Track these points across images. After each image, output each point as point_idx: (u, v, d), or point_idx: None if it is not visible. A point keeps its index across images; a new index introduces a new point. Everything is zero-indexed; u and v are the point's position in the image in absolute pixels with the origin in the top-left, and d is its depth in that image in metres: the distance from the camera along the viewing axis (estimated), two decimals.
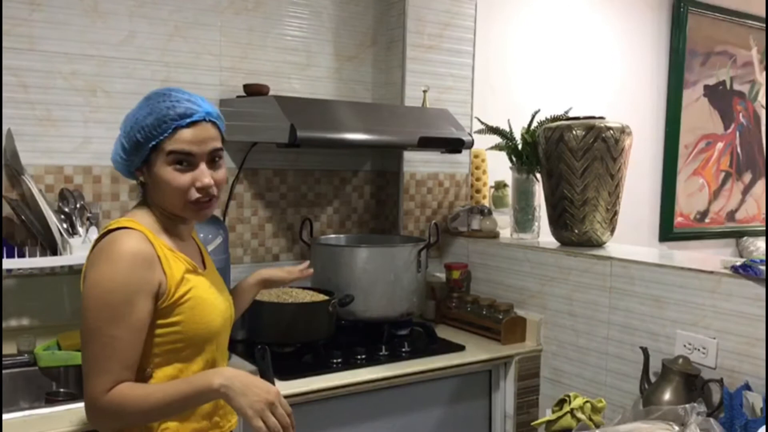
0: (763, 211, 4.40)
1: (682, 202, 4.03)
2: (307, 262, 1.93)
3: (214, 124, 1.40)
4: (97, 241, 1.37)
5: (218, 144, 1.41)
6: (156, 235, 1.39)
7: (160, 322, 1.36)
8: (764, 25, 4.08)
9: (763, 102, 4.30)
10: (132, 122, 1.37)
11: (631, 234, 3.10)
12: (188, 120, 1.35)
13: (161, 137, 1.34)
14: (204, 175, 1.38)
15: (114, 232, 1.36)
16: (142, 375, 1.36)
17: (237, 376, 1.29)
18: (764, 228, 4.36)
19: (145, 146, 1.35)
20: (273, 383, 1.40)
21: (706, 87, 4.06)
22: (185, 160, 1.36)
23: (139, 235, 1.35)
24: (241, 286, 1.80)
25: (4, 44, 2.04)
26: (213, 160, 1.40)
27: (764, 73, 4.25)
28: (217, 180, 1.41)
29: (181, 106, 1.35)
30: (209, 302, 1.44)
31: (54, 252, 1.90)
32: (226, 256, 2.16)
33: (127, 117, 1.40)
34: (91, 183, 2.19)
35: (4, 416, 1.56)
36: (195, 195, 1.38)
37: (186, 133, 1.35)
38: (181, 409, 1.34)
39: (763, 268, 1.76)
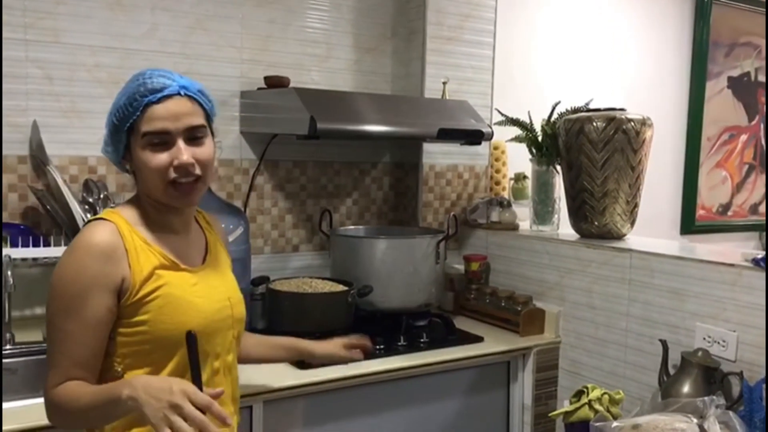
0: None
1: (704, 195, 3.99)
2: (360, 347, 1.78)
3: (193, 99, 1.30)
4: None
5: (198, 120, 1.29)
6: (134, 226, 1.31)
7: (125, 321, 1.27)
8: None
9: None
10: (111, 108, 1.31)
11: (652, 227, 3.07)
12: (160, 95, 1.26)
13: (134, 117, 1.26)
14: (181, 152, 1.26)
15: (89, 223, 1.31)
16: (111, 374, 1.29)
17: (144, 385, 1.14)
18: None
19: (122, 129, 1.28)
20: (198, 375, 1.20)
21: (729, 78, 4.01)
22: (161, 139, 1.26)
23: (109, 226, 1.27)
24: (275, 342, 1.71)
25: (30, 37, 2.08)
26: (194, 137, 1.29)
27: None
28: (200, 158, 1.29)
29: (152, 81, 1.27)
30: (186, 301, 1.31)
31: None
32: (247, 247, 2.19)
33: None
34: (115, 174, 2.21)
35: (31, 401, 1.60)
36: (173, 174, 1.27)
37: (158, 109, 1.26)
38: (108, 417, 1.23)
39: None
